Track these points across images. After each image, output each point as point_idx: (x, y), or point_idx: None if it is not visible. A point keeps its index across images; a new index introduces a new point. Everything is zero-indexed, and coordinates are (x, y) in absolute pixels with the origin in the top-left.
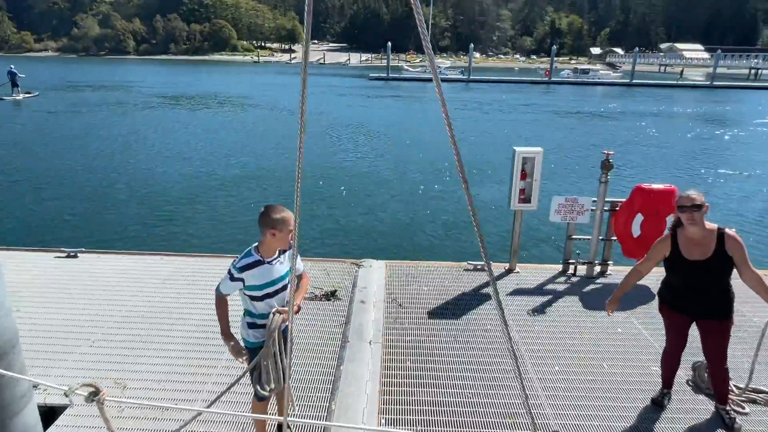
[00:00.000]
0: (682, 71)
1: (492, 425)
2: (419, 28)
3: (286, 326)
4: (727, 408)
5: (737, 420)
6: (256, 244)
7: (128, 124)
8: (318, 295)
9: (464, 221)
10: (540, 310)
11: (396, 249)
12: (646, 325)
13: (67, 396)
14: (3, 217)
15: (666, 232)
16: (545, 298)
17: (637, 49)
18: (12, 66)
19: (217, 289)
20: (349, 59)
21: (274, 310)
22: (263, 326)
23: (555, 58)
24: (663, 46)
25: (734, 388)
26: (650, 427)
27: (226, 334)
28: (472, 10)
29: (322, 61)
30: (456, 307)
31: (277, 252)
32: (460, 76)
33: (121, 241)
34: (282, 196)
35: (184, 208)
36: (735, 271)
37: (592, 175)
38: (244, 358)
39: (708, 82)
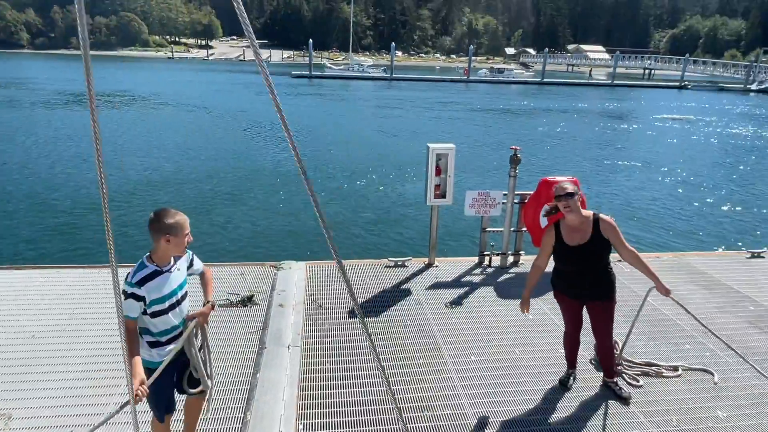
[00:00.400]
0: (590, 71)
1: (412, 420)
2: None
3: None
4: (615, 380)
5: (624, 389)
6: (148, 254)
7: (19, 124)
8: (234, 301)
9: (384, 218)
10: (457, 301)
11: (318, 249)
12: (554, 310)
13: None
14: None
15: (542, 220)
16: (462, 290)
17: (546, 49)
18: None
19: (126, 317)
20: (270, 56)
21: (186, 315)
22: (167, 343)
23: (473, 58)
24: (570, 47)
25: (624, 363)
26: (555, 406)
27: (137, 364)
28: (392, 9)
29: (242, 57)
30: (376, 305)
31: (172, 259)
32: (383, 75)
33: (13, 254)
34: (188, 200)
35: (81, 217)
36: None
37: (504, 169)
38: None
39: (609, 81)
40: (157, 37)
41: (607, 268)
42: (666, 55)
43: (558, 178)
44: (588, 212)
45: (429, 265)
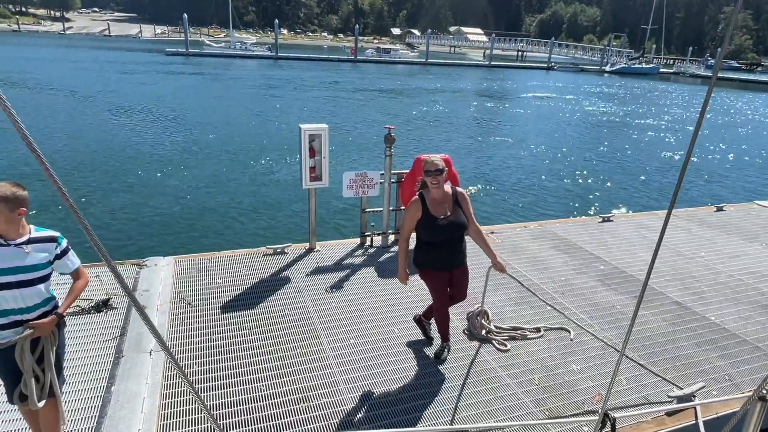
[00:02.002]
0: (485, 53)
1: (288, 414)
2: None
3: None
4: (430, 321)
5: (432, 330)
6: None
7: None
8: (86, 307)
9: (263, 205)
10: (338, 285)
11: (189, 242)
12: None
13: None
14: None
15: (416, 196)
16: (343, 273)
17: (429, 31)
18: None
19: None
20: (140, 32)
21: (25, 325)
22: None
23: (360, 38)
24: (452, 29)
25: (494, 330)
26: (431, 380)
27: None
28: None
29: (107, 32)
30: (253, 296)
31: (27, 236)
32: (268, 53)
33: None
34: (37, 193)
35: None
36: None
37: (382, 148)
38: None
39: (487, 62)
40: None
41: (464, 236)
42: (536, 39)
43: (432, 156)
44: (447, 186)
45: (310, 250)
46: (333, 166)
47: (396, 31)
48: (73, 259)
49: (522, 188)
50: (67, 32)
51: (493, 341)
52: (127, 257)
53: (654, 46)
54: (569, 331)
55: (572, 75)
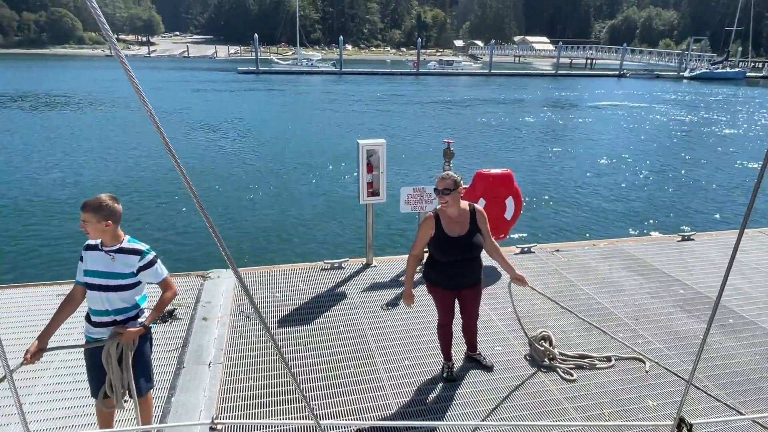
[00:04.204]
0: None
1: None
2: None
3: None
4: (478, 352)
5: (488, 359)
6: None
7: None
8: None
9: (321, 219)
10: (394, 303)
11: (253, 254)
12: (489, 305)
13: None
14: None
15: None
16: (400, 290)
17: (493, 41)
18: None
19: (76, 282)
20: (216, 52)
21: (114, 329)
22: (93, 323)
23: (422, 50)
24: (516, 38)
25: (558, 357)
26: (489, 407)
27: (46, 331)
28: (341, 2)
29: (186, 54)
30: (309, 311)
31: (118, 245)
32: (332, 69)
33: None
34: (146, 205)
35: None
36: None
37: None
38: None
39: (554, 71)
40: (93, 34)
41: (480, 257)
42: (606, 45)
43: (492, 171)
44: (464, 203)
45: (367, 266)
46: (391, 180)
47: (459, 43)
48: (159, 271)
49: (591, 203)
50: (152, 55)
51: (558, 369)
52: (192, 268)
53: (740, 48)
54: (644, 362)
55: (646, 82)
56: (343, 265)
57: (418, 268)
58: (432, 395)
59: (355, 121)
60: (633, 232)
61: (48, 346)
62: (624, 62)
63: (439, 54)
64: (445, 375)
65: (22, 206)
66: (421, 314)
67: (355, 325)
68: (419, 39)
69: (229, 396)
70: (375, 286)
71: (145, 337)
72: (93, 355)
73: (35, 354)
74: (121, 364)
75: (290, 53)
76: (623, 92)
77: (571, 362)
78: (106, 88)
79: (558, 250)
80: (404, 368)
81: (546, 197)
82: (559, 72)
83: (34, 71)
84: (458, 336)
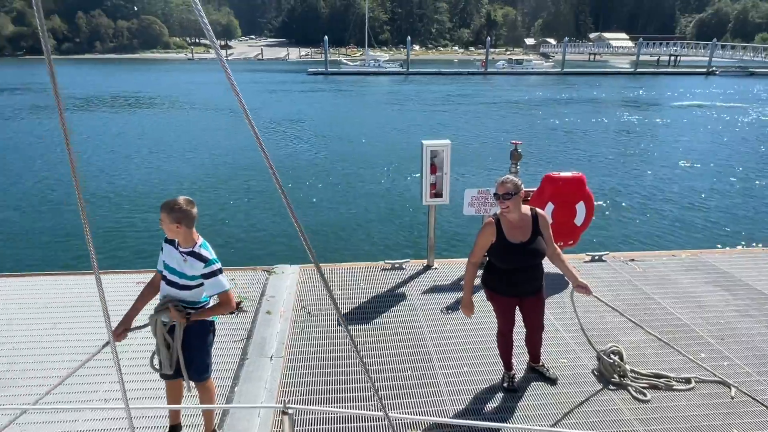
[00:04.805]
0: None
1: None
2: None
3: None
4: (542, 363)
5: (551, 371)
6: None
7: (49, 129)
8: None
9: (383, 218)
10: (454, 307)
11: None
12: (555, 314)
13: None
14: None
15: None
16: (461, 294)
17: (567, 39)
18: None
19: (157, 269)
20: (288, 54)
21: (166, 300)
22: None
23: (491, 50)
24: (592, 35)
25: (630, 375)
26: (551, 422)
27: (128, 314)
28: (409, 3)
29: (260, 57)
30: (369, 310)
31: (190, 248)
32: (399, 69)
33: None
34: (223, 201)
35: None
36: None
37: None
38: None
39: (632, 69)
40: (177, 39)
41: (542, 263)
42: (692, 41)
43: (562, 174)
44: (526, 207)
45: (427, 267)
46: (454, 182)
47: (530, 41)
48: (220, 283)
49: (671, 211)
50: (229, 58)
51: (629, 387)
52: (258, 263)
53: None
54: (730, 387)
55: (739, 80)
56: (403, 266)
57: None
58: (491, 404)
59: (420, 122)
60: (718, 244)
61: (132, 326)
62: (713, 59)
63: (508, 53)
64: (505, 385)
65: (113, 199)
66: (481, 320)
67: (414, 326)
68: (488, 38)
69: (288, 390)
70: (435, 289)
71: (207, 328)
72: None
73: (121, 333)
74: (173, 338)
75: (358, 54)
76: (711, 91)
77: (644, 381)
78: (187, 90)
79: (633, 260)
80: (463, 374)
81: (621, 203)
82: (638, 70)
83: (124, 74)
84: (520, 345)
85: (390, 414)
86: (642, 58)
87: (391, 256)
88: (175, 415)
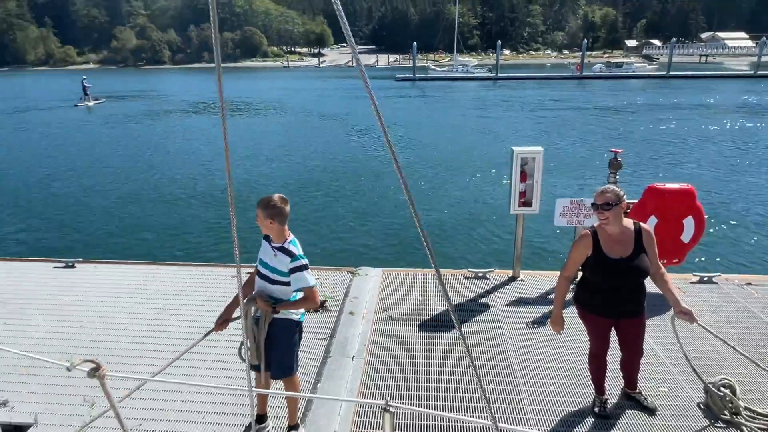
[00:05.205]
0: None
1: None
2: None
3: (259, 316)
4: (639, 391)
5: (649, 400)
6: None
7: (160, 132)
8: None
9: (468, 225)
10: (541, 321)
11: (397, 255)
12: (654, 337)
13: (69, 370)
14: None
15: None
16: (548, 308)
17: (674, 39)
18: (84, 77)
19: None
20: (377, 61)
21: (255, 293)
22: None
23: (588, 53)
24: (704, 35)
25: (744, 413)
26: None
27: (229, 306)
28: (501, 7)
29: (350, 63)
30: (450, 319)
31: (281, 243)
32: (488, 74)
33: (140, 250)
34: (311, 202)
35: (202, 216)
36: None
37: (604, 174)
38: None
39: (752, 72)
40: (275, 48)
41: (644, 282)
42: None
43: (668, 186)
44: (628, 221)
45: (513, 279)
46: (545, 191)
47: (631, 42)
48: (305, 279)
49: None
50: (321, 65)
51: (743, 427)
52: (343, 264)
53: None
54: None
55: None
56: (487, 275)
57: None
58: (579, 429)
59: (508, 127)
60: None
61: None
62: None
63: (606, 56)
64: (596, 410)
65: (217, 197)
66: (571, 338)
67: (497, 339)
68: (584, 40)
69: (368, 391)
70: (520, 301)
71: (293, 327)
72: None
73: (222, 324)
74: (258, 329)
75: (446, 60)
76: None
77: (761, 422)
78: (281, 96)
79: (749, 284)
80: (549, 394)
81: (736, 219)
82: (759, 72)
83: (228, 82)
84: (614, 368)
85: (500, 425)
86: (764, 59)
87: (474, 265)
88: (262, 405)
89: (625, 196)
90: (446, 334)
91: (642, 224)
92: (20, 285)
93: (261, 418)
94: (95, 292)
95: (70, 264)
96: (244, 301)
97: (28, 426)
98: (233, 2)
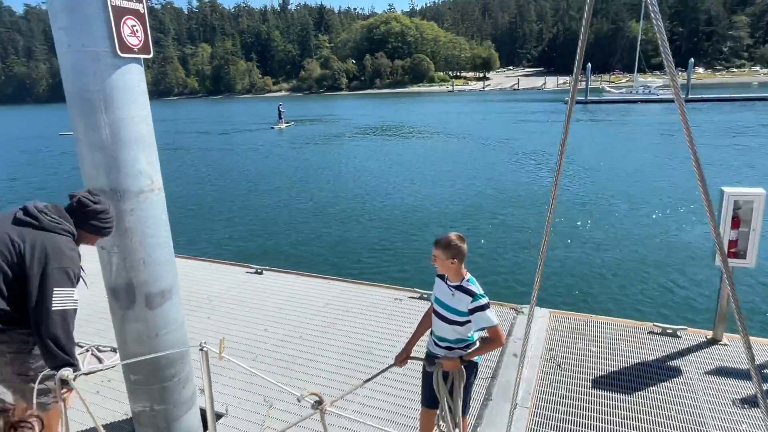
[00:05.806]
0: None
1: None
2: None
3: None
4: None
5: None
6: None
7: (341, 153)
8: None
9: (654, 272)
10: (750, 400)
11: (566, 296)
12: None
13: (299, 401)
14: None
15: None
16: (765, 386)
17: None
18: (280, 103)
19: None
20: (545, 83)
21: (439, 360)
22: (432, 343)
23: None
24: None
25: None
26: None
27: (409, 342)
28: (695, 20)
29: (516, 87)
30: (630, 378)
31: (458, 282)
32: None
33: (320, 262)
34: (473, 229)
35: (383, 236)
36: None
37: None
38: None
39: None
40: (440, 73)
41: None
42: None
43: None
44: None
45: (713, 342)
46: (763, 241)
47: None
48: (489, 318)
49: None
50: (485, 89)
51: None
52: (505, 299)
53: None
54: None
55: None
56: (678, 333)
57: None
58: None
59: (705, 159)
60: None
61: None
62: None
63: None
64: None
65: (386, 217)
66: None
67: (693, 414)
68: None
69: None
70: (723, 371)
71: (472, 370)
72: (428, 377)
73: (403, 360)
74: (451, 392)
75: (624, 81)
76: None
77: None
78: (444, 120)
79: None
80: None
81: None
82: None
83: (394, 106)
84: None
85: None
86: None
87: (661, 319)
88: None
89: None
90: (625, 396)
91: None
92: (220, 285)
93: None
94: (276, 298)
95: (258, 270)
96: (434, 367)
97: (221, 415)
98: (405, 32)
